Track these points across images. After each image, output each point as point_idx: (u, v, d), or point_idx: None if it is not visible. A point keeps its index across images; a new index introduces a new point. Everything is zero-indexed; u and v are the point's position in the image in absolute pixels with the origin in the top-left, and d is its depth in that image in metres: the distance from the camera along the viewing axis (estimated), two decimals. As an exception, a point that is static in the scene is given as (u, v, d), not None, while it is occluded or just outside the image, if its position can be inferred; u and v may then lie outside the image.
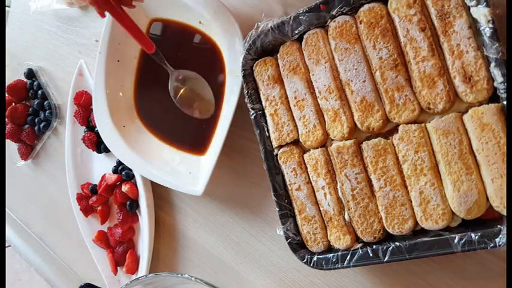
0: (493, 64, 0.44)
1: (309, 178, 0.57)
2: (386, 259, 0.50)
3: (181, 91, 0.66)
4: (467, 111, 0.47)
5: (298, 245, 0.58)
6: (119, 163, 0.83)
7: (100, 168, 0.88)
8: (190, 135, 0.74)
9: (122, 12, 0.60)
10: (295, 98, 0.57)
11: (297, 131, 0.58)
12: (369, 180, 0.53)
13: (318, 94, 0.56)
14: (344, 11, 0.53)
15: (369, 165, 0.53)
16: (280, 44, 0.58)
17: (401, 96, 0.50)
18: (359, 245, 0.54)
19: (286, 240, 0.58)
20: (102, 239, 0.86)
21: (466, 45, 0.46)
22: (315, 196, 0.57)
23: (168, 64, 0.67)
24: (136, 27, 0.61)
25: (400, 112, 0.50)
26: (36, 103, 0.98)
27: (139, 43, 0.63)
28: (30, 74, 0.99)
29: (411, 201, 0.50)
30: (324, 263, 0.55)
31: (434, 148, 0.49)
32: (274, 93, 0.59)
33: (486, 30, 0.44)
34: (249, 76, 0.60)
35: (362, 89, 0.52)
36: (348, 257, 0.53)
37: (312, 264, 0.55)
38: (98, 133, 0.79)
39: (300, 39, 0.57)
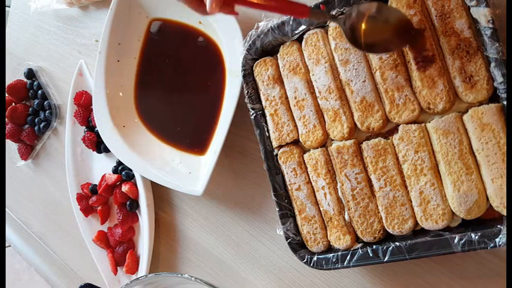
0: (493, 64, 0.44)
1: (309, 178, 0.57)
2: (386, 259, 0.50)
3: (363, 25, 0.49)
4: (467, 111, 0.47)
5: (298, 245, 0.58)
6: (119, 163, 0.83)
7: (100, 168, 0.88)
8: (190, 135, 0.74)
9: None
10: (295, 98, 0.57)
11: (297, 131, 0.58)
12: (369, 180, 0.53)
13: (318, 94, 0.56)
14: (344, 11, 0.53)
15: (369, 165, 0.53)
16: (280, 44, 0.58)
17: (401, 96, 0.50)
18: (359, 245, 0.54)
19: (286, 240, 0.58)
20: (102, 239, 0.85)
21: (466, 45, 0.46)
22: (315, 196, 0.57)
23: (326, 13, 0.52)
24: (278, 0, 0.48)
25: (400, 112, 0.50)
26: (36, 103, 0.98)
27: (292, 15, 0.52)
28: (30, 74, 0.99)
29: (411, 201, 0.50)
30: (324, 263, 0.55)
31: (434, 148, 0.49)
32: (274, 93, 0.59)
33: (486, 30, 0.44)
34: (249, 76, 0.60)
35: (362, 89, 0.52)
36: (348, 257, 0.53)
37: (312, 264, 0.55)
38: (98, 133, 0.79)
39: (300, 39, 0.57)
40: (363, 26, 0.48)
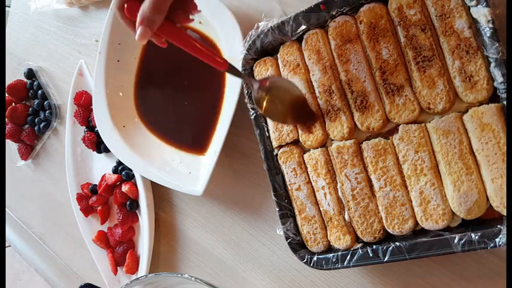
0: (493, 64, 0.44)
1: (309, 178, 0.57)
2: (386, 259, 0.50)
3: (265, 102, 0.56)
4: (467, 111, 0.47)
5: (298, 245, 0.58)
6: (119, 163, 0.83)
7: (100, 168, 0.88)
8: (190, 135, 0.74)
9: (183, 35, 0.51)
10: (295, 98, 0.57)
11: (297, 131, 0.58)
12: (369, 180, 0.53)
13: (317, 94, 0.56)
14: (344, 11, 0.53)
15: (369, 165, 0.52)
16: (280, 44, 0.58)
17: (402, 96, 0.50)
18: (359, 245, 0.54)
19: (286, 240, 0.58)
20: (102, 239, 0.85)
21: (466, 45, 0.46)
22: (315, 196, 0.57)
23: (247, 76, 0.59)
24: (202, 47, 0.52)
25: (400, 112, 0.50)
26: (36, 103, 0.98)
27: (210, 63, 0.55)
28: (30, 74, 0.99)
29: (411, 201, 0.50)
30: (324, 263, 0.55)
31: (434, 148, 0.49)
32: (274, 93, 0.58)
33: (486, 30, 0.44)
34: (249, 76, 0.60)
35: (362, 89, 0.52)
36: (348, 257, 0.53)
37: (312, 264, 0.55)
38: (98, 133, 0.79)
39: (300, 39, 0.57)
40: (267, 96, 0.55)
